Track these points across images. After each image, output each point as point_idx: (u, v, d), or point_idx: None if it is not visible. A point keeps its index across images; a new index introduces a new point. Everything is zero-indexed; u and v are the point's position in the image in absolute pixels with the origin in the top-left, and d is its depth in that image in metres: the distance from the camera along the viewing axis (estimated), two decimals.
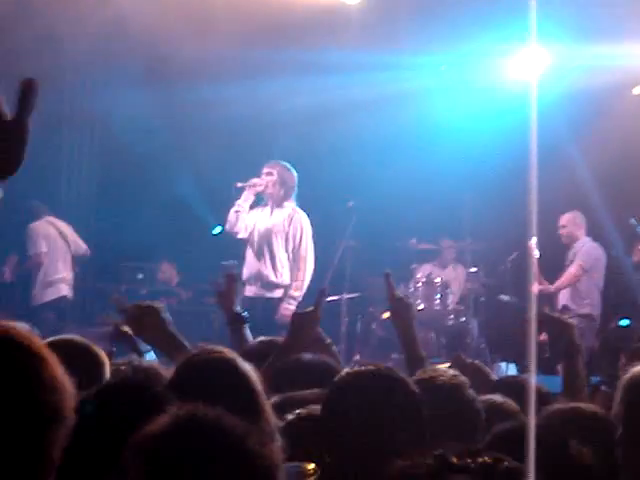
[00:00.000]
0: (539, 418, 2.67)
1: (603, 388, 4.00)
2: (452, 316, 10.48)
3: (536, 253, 9.66)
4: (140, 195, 10.64)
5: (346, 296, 10.33)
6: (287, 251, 8.41)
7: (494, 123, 10.04)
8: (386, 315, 10.67)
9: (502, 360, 10.07)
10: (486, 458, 1.79)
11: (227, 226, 8.46)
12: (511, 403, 3.21)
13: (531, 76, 9.93)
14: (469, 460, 1.78)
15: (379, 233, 10.66)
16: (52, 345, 3.14)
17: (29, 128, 1.59)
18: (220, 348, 2.75)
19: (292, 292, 8.28)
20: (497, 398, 3.30)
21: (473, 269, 10.63)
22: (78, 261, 10.26)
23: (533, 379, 3.13)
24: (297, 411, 2.86)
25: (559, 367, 6.00)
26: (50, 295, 9.80)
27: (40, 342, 1.48)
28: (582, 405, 2.98)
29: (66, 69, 10.84)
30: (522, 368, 8.64)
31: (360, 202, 10.26)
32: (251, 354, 3.51)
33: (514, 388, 3.36)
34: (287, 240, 8.40)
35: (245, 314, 4.50)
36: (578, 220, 9.65)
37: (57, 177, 11.31)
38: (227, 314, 4.46)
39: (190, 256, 9.61)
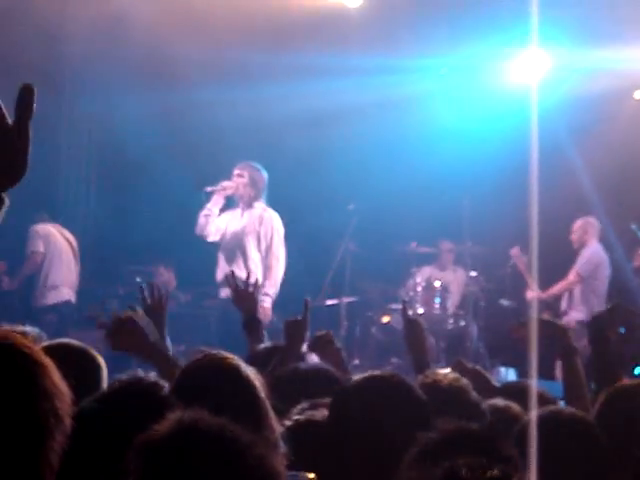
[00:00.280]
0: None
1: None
2: (452, 320, 10.46)
3: (523, 259, 9.69)
4: (138, 197, 10.61)
5: (345, 300, 10.31)
6: (259, 251, 8.45)
7: (495, 127, 10.03)
8: (386, 319, 10.67)
9: (502, 365, 10.06)
10: (495, 471, 1.77)
11: (197, 230, 8.50)
12: (515, 406, 3.20)
13: (532, 80, 9.96)
14: (479, 473, 1.77)
15: (379, 236, 10.65)
16: (49, 349, 3.14)
17: (30, 135, 1.57)
18: (224, 353, 2.74)
19: (266, 289, 8.31)
20: (500, 402, 3.29)
21: (473, 273, 10.61)
22: None
23: (534, 383, 3.12)
24: (295, 417, 2.84)
25: (558, 372, 6.00)
26: (53, 298, 9.74)
27: (38, 348, 1.49)
28: (561, 409, 2.97)
29: (65, 69, 10.83)
30: (522, 373, 8.63)
31: (360, 205, 10.26)
32: (259, 359, 3.50)
33: (517, 394, 3.34)
34: (259, 240, 8.46)
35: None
36: (588, 226, 9.68)
37: (55, 179, 11.28)
38: (246, 316, 4.50)
39: (189, 259, 9.57)
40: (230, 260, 8.43)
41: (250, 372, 2.64)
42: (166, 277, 10.91)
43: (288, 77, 9.98)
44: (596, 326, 4.10)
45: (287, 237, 9.35)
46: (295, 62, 9.86)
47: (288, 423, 2.79)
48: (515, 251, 9.87)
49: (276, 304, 10.42)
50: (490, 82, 10.42)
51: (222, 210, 8.54)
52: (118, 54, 10.15)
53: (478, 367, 4.33)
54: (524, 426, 2.62)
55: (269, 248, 8.46)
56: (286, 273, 9.56)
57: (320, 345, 4.33)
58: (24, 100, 1.55)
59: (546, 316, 3.95)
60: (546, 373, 6.57)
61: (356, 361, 10.12)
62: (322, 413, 2.86)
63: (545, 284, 9.66)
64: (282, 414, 2.83)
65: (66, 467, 1.50)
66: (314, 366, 3.68)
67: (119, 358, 3.87)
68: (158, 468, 1.84)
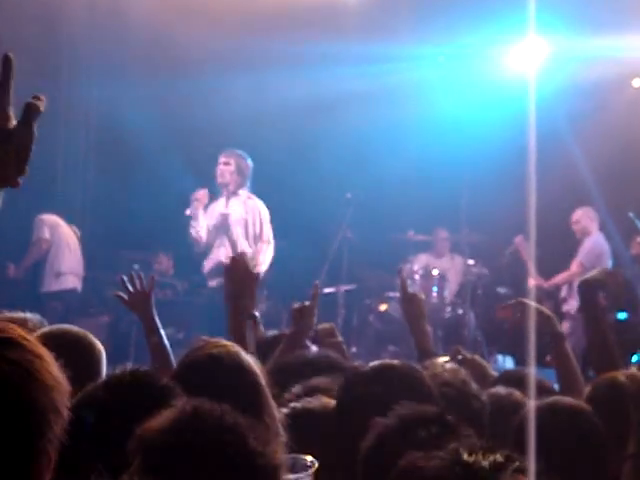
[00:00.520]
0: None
1: None
2: (449, 308, 10.46)
3: (526, 247, 9.69)
4: (137, 184, 10.60)
5: (343, 288, 10.31)
6: (247, 238, 8.51)
7: (493, 115, 10.01)
8: (383, 307, 10.68)
9: (499, 352, 10.08)
10: (498, 456, 1.78)
11: (196, 249, 8.60)
12: (517, 393, 3.21)
13: (530, 68, 9.93)
14: (481, 457, 1.77)
15: (377, 225, 10.64)
16: (49, 335, 3.14)
17: (33, 137, 1.57)
18: (223, 342, 2.74)
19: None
20: (501, 389, 3.29)
21: (471, 261, 10.62)
22: None
23: (532, 371, 3.12)
24: (292, 405, 2.84)
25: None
26: (58, 285, 9.81)
27: (35, 339, 1.48)
28: (560, 398, 2.98)
29: (63, 53, 10.79)
30: (519, 360, 8.65)
31: (358, 194, 10.24)
32: (262, 348, 3.50)
33: (515, 382, 3.35)
34: (246, 227, 8.51)
35: (257, 314, 4.48)
36: (591, 214, 9.68)
37: (52, 164, 11.25)
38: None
39: (186, 247, 9.57)
40: (218, 248, 8.47)
41: (250, 360, 2.64)
42: (165, 264, 10.91)
43: (286, 65, 9.96)
44: (585, 290, 4.10)
45: (284, 226, 9.35)
46: (293, 50, 9.84)
47: (285, 410, 2.79)
48: (519, 239, 9.86)
49: (273, 292, 10.44)
50: (488, 70, 10.40)
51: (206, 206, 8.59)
52: (117, 39, 10.13)
53: (476, 356, 4.34)
54: (523, 416, 2.62)
55: (259, 235, 8.53)
56: (283, 262, 9.57)
57: (322, 337, 4.32)
58: (32, 108, 1.55)
59: (533, 304, 3.93)
60: (539, 360, 6.58)
61: (354, 349, 10.13)
62: (319, 400, 2.85)
63: (543, 272, 9.67)
64: (277, 399, 2.83)
65: (67, 456, 1.50)
66: (319, 353, 3.67)
67: (118, 345, 3.88)
68: (159, 457, 1.84)
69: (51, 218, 9.91)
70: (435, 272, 10.48)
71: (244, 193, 8.55)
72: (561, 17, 9.03)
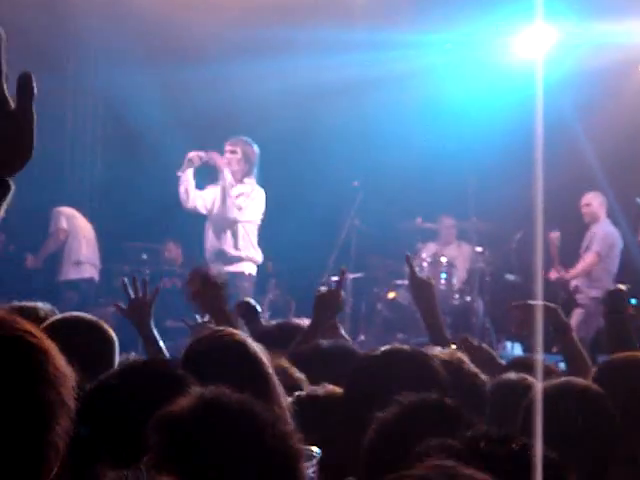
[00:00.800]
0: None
1: None
2: (457, 295, 10.46)
3: (557, 243, 9.66)
4: (145, 173, 10.60)
5: (351, 276, 10.32)
6: (245, 227, 8.48)
7: (500, 102, 9.99)
8: (391, 295, 10.68)
9: (507, 339, 10.08)
10: (514, 445, 1.78)
11: (183, 205, 8.58)
12: (528, 378, 3.22)
13: (537, 54, 9.90)
14: (498, 445, 1.78)
15: (384, 213, 10.64)
16: (62, 322, 3.17)
17: (34, 119, 1.56)
18: (230, 330, 2.74)
19: (251, 256, 8.43)
20: (512, 375, 3.31)
21: (479, 249, 10.61)
22: None
23: (540, 357, 3.13)
24: (297, 393, 2.85)
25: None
26: (75, 274, 9.94)
27: (43, 333, 1.48)
28: (570, 379, 2.99)
29: (70, 43, 10.79)
30: (527, 347, 8.65)
31: (365, 182, 10.24)
32: (267, 336, 3.51)
33: (525, 369, 3.36)
34: (248, 216, 8.47)
35: (257, 306, 4.48)
36: (600, 199, 9.66)
37: (61, 156, 11.28)
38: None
39: (196, 236, 9.58)
40: (218, 235, 8.48)
41: (257, 348, 2.64)
42: (174, 253, 10.93)
43: (291, 52, 9.94)
44: (612, 301, 4.13)
45: (292, 214, 9.36)
46: (299, 37, 9.82)
47: (290, 398, 2.80)
48: (554, 235, 9.75)
49: (281, 280, 10.45)
50: (495, 57, 10.37)
51: (210, 183, 8.58)
52: (123, 28, 10.12)
53: (484, 344, 4.36)
54: (532, 398, 2.63)
55: (257, 225, 8.54)
56: (291, 250, 9.58)
57: (325, 332, 4.32)
58: (25, 86, 1.54)
59: (539, 303, 3.95)
60: (550, 347, 6.59)
61: (362, 337, 10.15)
62: (324, 388, 2.86)
63: (549, 258, 9.66)
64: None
65: (84, 442, 1.51)
66: (335, 343, 3.65)
67: (126, 335, 3.88)
68: (180, 443, 1.84)
69: (68, 210, 10.12)
70: (443, 260, 10.47)
71: (250, 182, 8.50)
72: (569, 3, 8.99)
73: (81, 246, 9.98)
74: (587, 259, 9.60)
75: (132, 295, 4.07)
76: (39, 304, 3.69)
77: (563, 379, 2.97)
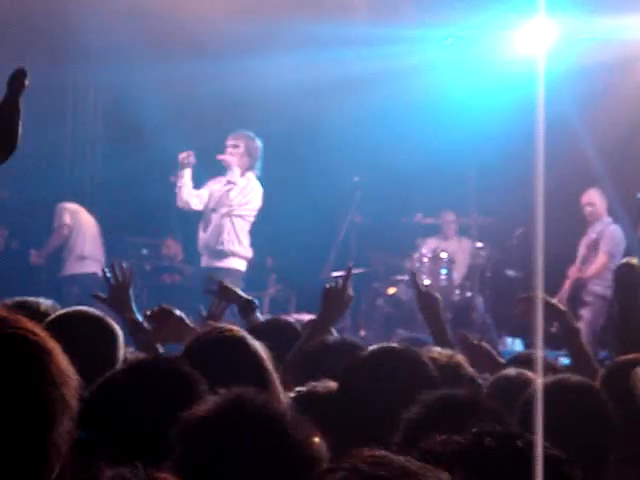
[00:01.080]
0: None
1: None
2: (458, 291, 10.46)
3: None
4: (146, 168, 10.60)
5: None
6: (234, 221, 8.47)
7: (501, 97, 9.98)
8: (392, 291, 10.68)
9: (508, 335, 10.08)
10: (519, 442, 1.78)
11: (178, 203, 8.61)
12: (527, 373, 3.22)
13: (538, 49, 9.88)
14: (503, 442, 1.78)
15: (384, 208, 10.63)
16: (66, 317, 3.16)
17: (19, 113, 1.56)
18: (230, 326, 2.74)
19: (238, 251, 8.42)
20: (512, 371, 3.31)
21: (479, 244, 10.61)
22: None
23: (540, 353, 3.13)
24: (298, 388, 2.85)
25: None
26: (80, 268, 9.99)
27: (44, 333, 1.49)
28: (569, 376, 3.00)
29: (71, 36, 10.77)
30: (528, 343, 8.65)
31: (366, 177, 10.23)
32: (260, 332, 3.50)
33: (525, 365, 3.36)
34: (239, 210, 8.47)
35: (255, 301, 4.47)
36: (603, 197, 9.65)
37: (60, 148, 11.28)
38: (237, 304, 4.43)
39: (195, 231, 9.58)
40: (205, 230, 8.50)
41: (257, 344, 2.64)
42: (174, 249, 10.94)
43: (293, 47, 9.92)
44: (622, 277, 4.13)
45: (293, 209, 9.35)
46: (300, 32, 9.81)
47: (291, 394, 2.80)
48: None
49: (281, 276, 10.45)
50: (496, 52, 10.35)
51: (213, 177, 8.58)
52: (124, 21, 10.10)
53: (484, 342, 4.36)
54: (531, 393, 2.63)
55: (249, 219, 8.53)
56: (291, 246, 9.58)
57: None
58: (15, 81, 1.54)
59: (545, 297, 3.95)
60: (553, 344, 6.59)
61: (362, 332, 10.15)
62: (325, 385, 2.87)
63: (549, 254, 9.65)
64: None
65: (89, 443, 1.50)
66: (341, 340, 3.65)
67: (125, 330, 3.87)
68: (204, 443, 1.83)
69: (72, 205, 10.19)
70: (444, 255, 10.47)
71: (250, 176, 8.50)
72: None
73: (85, 241, 10.07)
74: (599, 260, 9.53)
75: (112, 282, 4.05)
76: (41, 299, 3.69)
77: (559, 375, 2.97)
